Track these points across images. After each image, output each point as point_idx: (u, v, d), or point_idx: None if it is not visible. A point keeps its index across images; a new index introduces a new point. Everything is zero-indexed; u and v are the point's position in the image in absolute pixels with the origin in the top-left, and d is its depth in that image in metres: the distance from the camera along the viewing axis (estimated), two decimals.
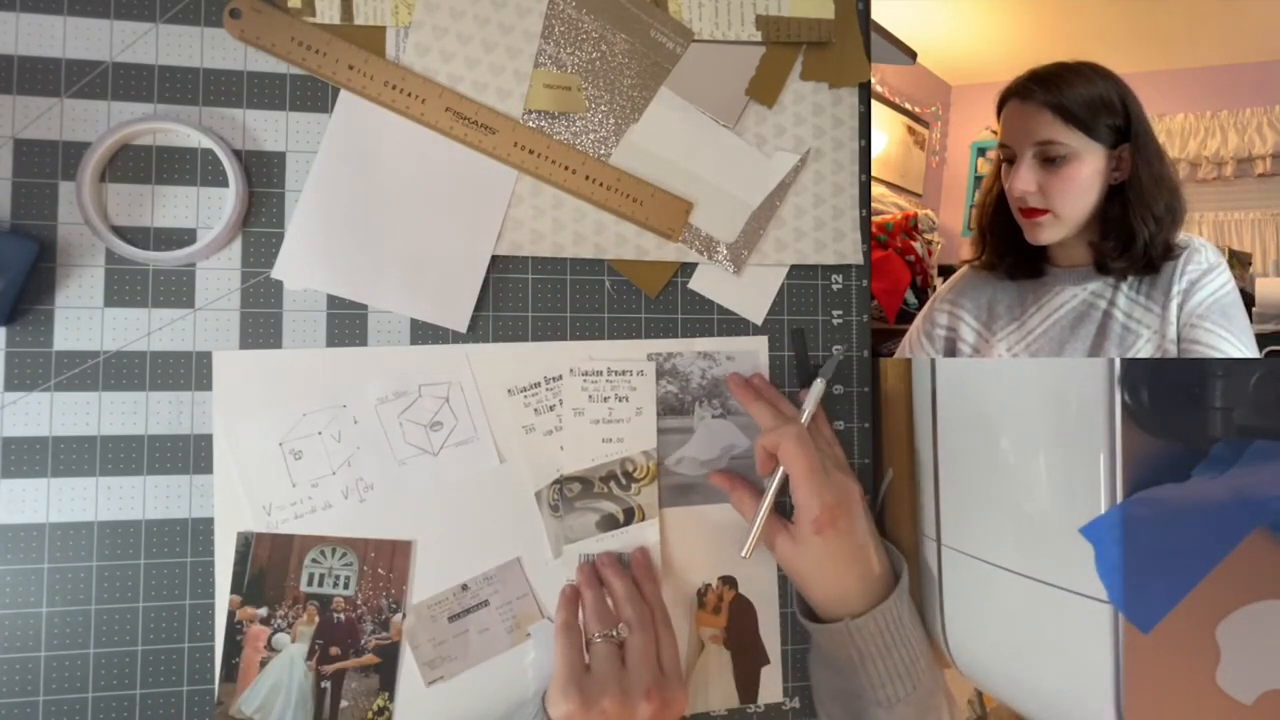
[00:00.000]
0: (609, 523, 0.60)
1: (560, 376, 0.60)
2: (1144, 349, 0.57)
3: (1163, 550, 0.44)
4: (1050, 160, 0.55)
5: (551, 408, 0.60)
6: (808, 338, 0.64)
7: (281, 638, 0.56)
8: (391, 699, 0.57)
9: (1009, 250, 0.61)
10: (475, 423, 0.58)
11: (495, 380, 0.59)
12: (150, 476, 0.55)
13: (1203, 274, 0.58)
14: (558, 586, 0.59)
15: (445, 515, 0.58)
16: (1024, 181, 0.55)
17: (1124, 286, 0.59)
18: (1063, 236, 0.58)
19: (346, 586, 0.57)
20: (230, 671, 0.55)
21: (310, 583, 0.56)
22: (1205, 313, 0.56)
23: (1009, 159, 0.57)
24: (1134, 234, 0.58)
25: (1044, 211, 0.56)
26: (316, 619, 0.56)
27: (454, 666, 0.58)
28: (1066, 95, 0.55)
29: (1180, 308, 0.57)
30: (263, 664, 0.55)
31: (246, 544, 0.55)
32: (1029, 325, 0.61)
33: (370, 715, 0.56)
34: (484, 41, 0.59)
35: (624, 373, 0.60)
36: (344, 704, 0.56)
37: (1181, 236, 0.61)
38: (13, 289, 0.52)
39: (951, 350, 0.66)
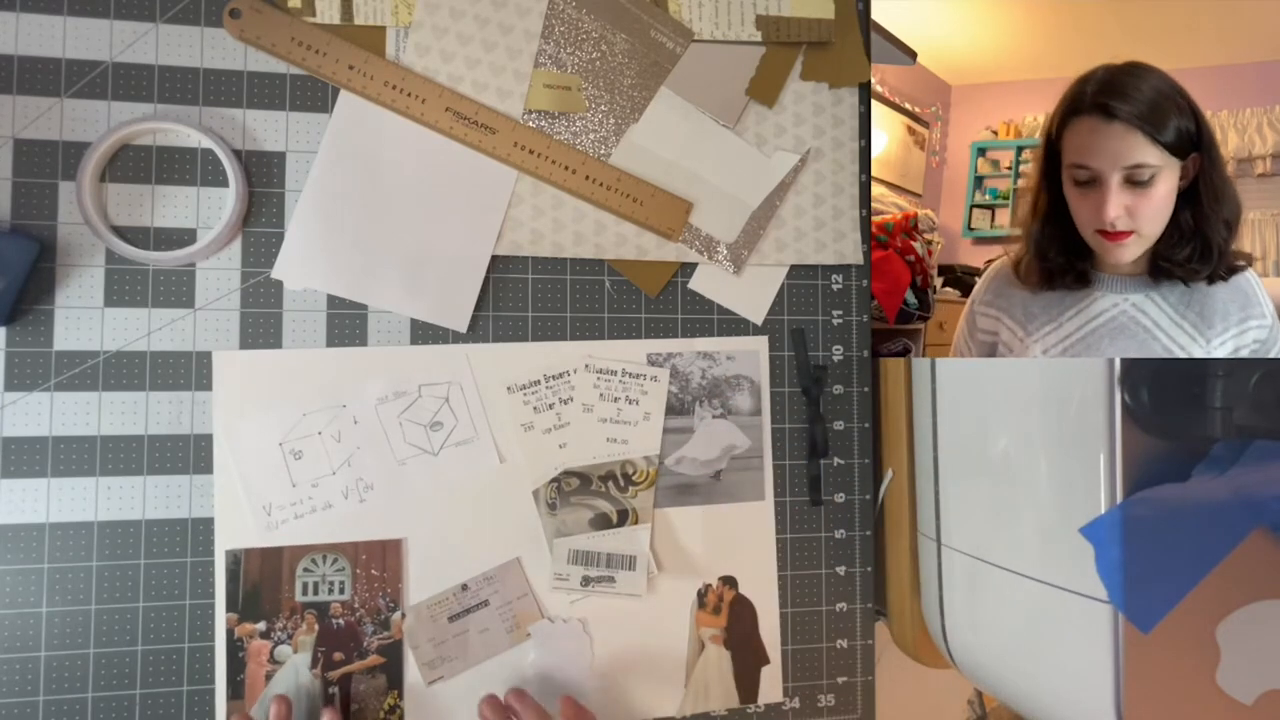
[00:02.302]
0: (602, 521, 0.60)
1: (561, 375, 0.60)
2: None
3: (1163, 550, 0.44)
4: (1138, 182, 0.53)
5: (551, 406, 0.60)
6: (808, 337, 0.64)
7: (283, 649, 0.56)
8: (401, 696, 0.57)
9: (1068, 269, 0.59)
10: (475, 423, 0.58)
11: (495, 380, 0.59)
12: (150, 476, 0.55)
13: (1269, 333, 0.56)
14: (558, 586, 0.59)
15: (445, 515, 0.58)
16: (1116, 208, 0.53)
17: (1166, 306, 0.58)
18: (1141, 253, 0.56)
19: (342, 591, 0.57)
20: (236, 688, 0.55)
21: (305, 592, 0.56)
22: None
23: (1087, 181, 0.54)
24: (1210, 242, 0.56)
25: (1130, 233, 0.54)
26: (316, 627, 0.56)
27: (454, 666, 0.58)
28: (1150, 111, 0.52)
29: None
30: (268, 678, 0.55)
31: (236, 561, 0.55)
32: (1066, 329, 0.59)
33: (382, 715, 0.56)
34: (484, 41, 0.59)
35: (638, 376, 0.61)
36: (354, 707, 0.56)
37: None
38: (13, 289, 0.52)
39: (992, 353, 0.64)
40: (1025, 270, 0.61)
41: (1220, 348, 0.56)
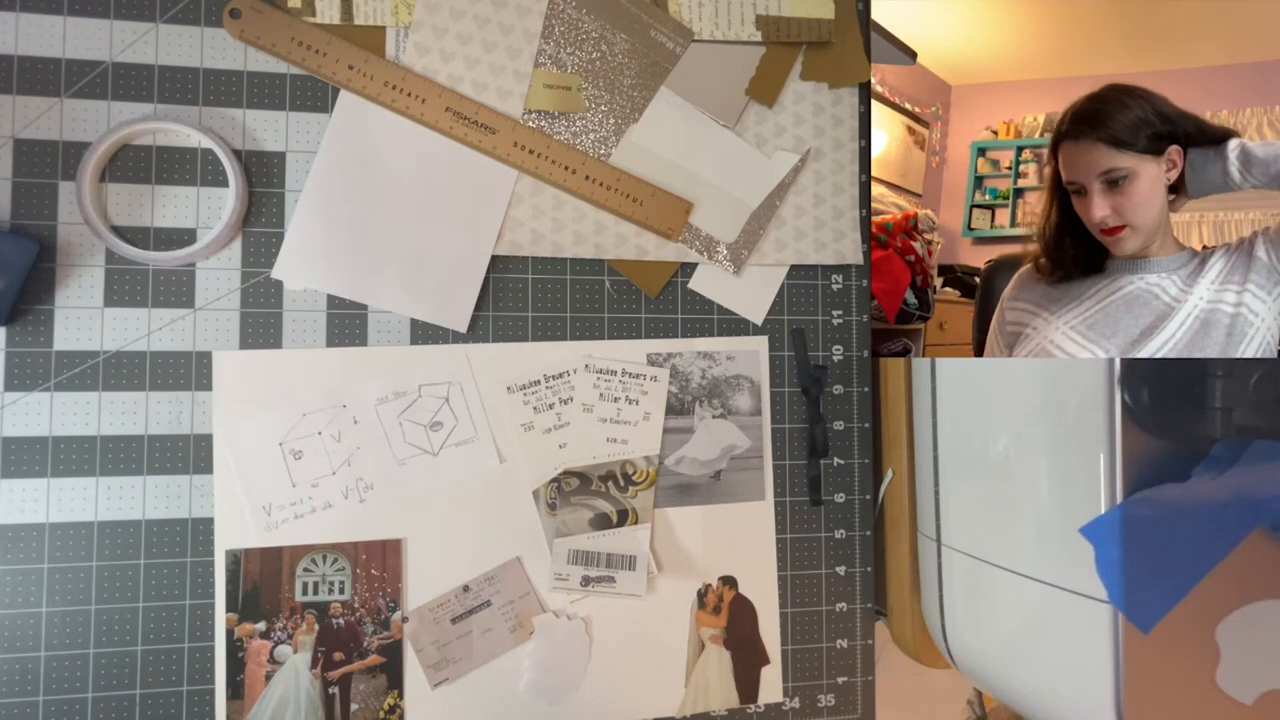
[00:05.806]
0: (602, 521, 0.60)
1: (561, 375, 0.60)
2: (1251, 335, 0.61)
3: (1163, 550, 0.44)
4: (1114, 183, 0.61)
5: (551, 406, 0.60)
6: (808, 338, 0.64)
7: (283, 649, 0.56)
8: (401, 696, 0.57)
9: (1078, 264, 0.68)
10: (475, 423, 0.58)
11: (495, 380, 0.59)
12: (150, 476, 0.55)
13: (1241, 241, 0.62)
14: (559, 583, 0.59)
15: (445, 515, 0.58)
16: (1100, 208, 0.62)
17: (1177, 279, 0.64)
18: (1142, 242, 0.63)
19: (342, 591, 0.57)
20: (236, 689, 0.55)
21: (305, 592, 0.56)
22: None
23: (1078, 191, 0.64)
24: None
25: (1122, 227, 0.62)
26: (316, 627, 0.56)
27: (459, 668, 0.58)
28: (1112, 126, 0.61)
29: None
30: (268, 678, 0.55)
31: (236, 561, 0.55)
32: (1085, 305, 0.66)
33: (382, 715, 0.56)
34: (484, 41, 0.59)
35: (638, 376, 0.61)
36: (355, 707, 0.56)
37: None
38: (13, 289, 0.52)
39: (1015, 340, 0.70)
40: (1043, 264, 0.69)
41: (1207, 287, 0.62)
